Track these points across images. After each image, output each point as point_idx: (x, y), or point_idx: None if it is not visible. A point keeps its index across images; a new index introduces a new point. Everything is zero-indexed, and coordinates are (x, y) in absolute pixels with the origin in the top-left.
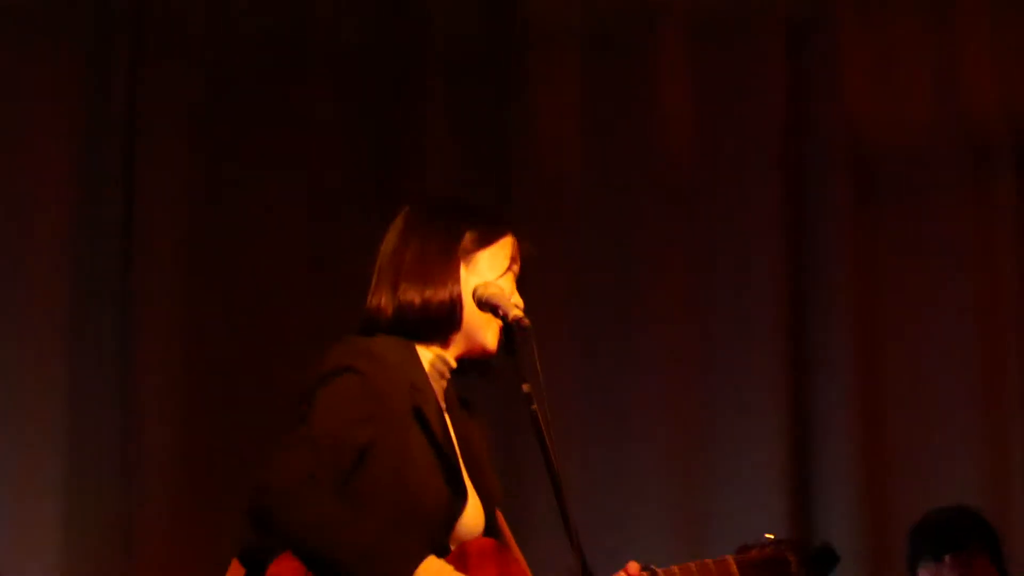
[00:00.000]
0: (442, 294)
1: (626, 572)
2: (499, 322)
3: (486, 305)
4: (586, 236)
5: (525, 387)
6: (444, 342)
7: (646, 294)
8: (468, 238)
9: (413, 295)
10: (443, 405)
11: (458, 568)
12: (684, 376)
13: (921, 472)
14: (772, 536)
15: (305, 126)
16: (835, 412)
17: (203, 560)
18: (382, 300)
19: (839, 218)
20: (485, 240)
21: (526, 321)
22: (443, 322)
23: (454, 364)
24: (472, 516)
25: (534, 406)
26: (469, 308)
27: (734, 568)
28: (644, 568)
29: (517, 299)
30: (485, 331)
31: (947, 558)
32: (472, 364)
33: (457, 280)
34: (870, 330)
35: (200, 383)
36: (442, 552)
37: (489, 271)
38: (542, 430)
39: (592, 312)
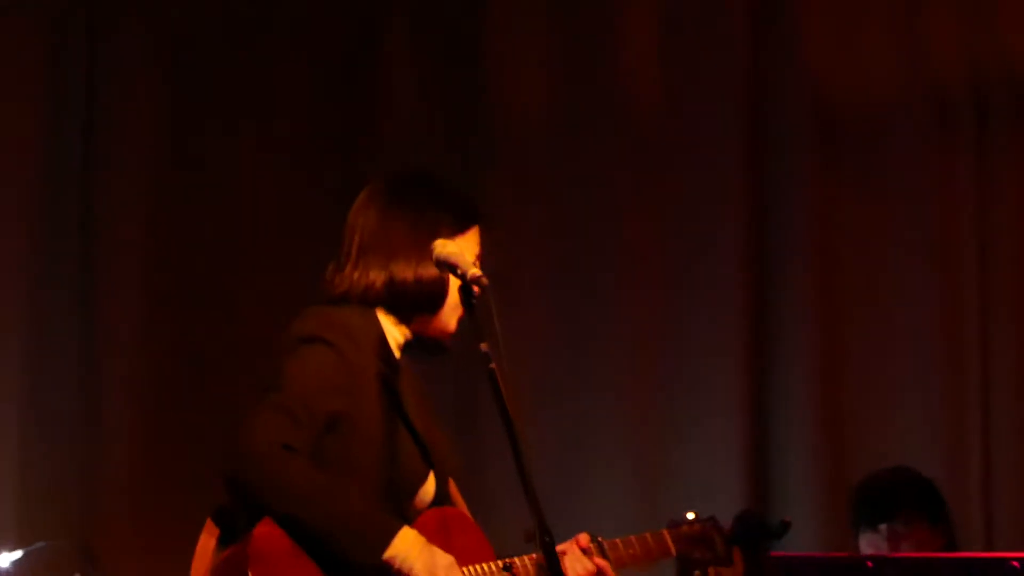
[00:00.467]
0: (433, 272)
1: (576, 542)
2: (462, 311)
3: (444, 264)
4: (550, 194)
5: (483, 346)
6: (411, 319)
7: (609, 252)
8: (445, 223)
9: (407, 272)
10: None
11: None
12: (645, 335)
13: (878, 432)
14: (695, 514)
15: (268, 84)
16: (794, 374)
17: (166, 540)
18: (370, 275)
19: (801, 174)
20: (458, 229)
21: (484, 279)
22: (431, 300)
23: (411, 338)
24: (428, 485)
25: (492, 365)
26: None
27: (670, 541)
28: (592, 540)
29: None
30: (452, 316)
31: (882, 527)
32: (426, 343)
33: None
34: (831, 288)
35: (162, 359)
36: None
37: None
38: (499, 389)
39: (554, 270)
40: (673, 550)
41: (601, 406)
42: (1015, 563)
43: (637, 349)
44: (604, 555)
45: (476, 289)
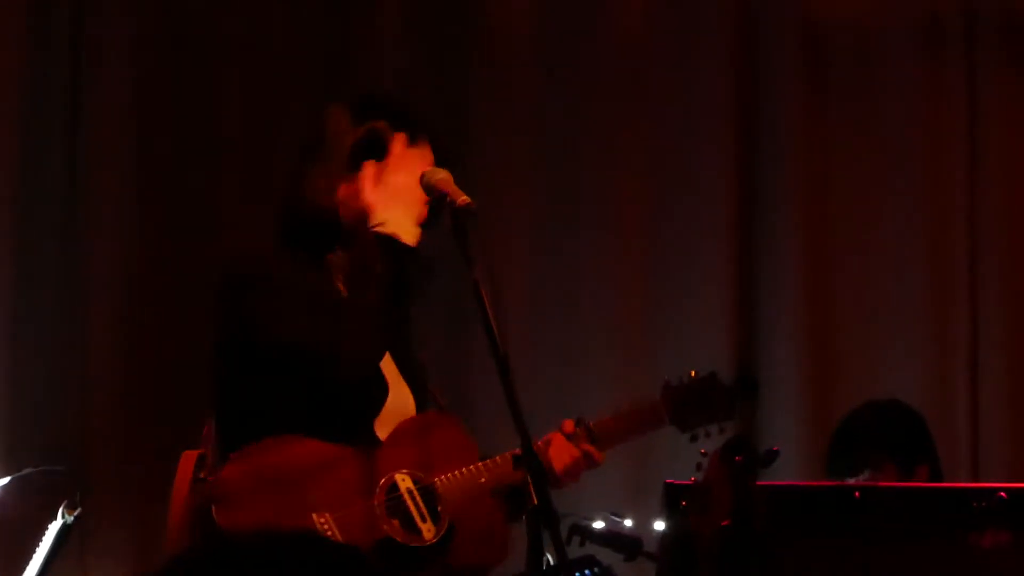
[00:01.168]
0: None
1: (560, 429)
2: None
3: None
4: (539, 121)
5: (473, 271)
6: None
7: (599, 180)
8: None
9: None
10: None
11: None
12: (633, 261)
13: (866, 362)
14: (694, 372)
15: (257, 28)
16: (782, 300)
17: (154, 466)
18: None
19: (790, 97)
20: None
21: (473, 204)
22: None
23: None
24: (401, 402)
25: (481, 288)
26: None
27: (663, 407)
28: (579, 423)
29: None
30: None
31: (845, 481)
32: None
33: None
34: (819, 213)
35: (147, 289)
36: (372, 441)
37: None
38: (487, 311)
39: (540, 198)
40: (667, 417)
41: (589, 323)
42: (1002, 493)
43: (624, 270)
44: (592, 438)
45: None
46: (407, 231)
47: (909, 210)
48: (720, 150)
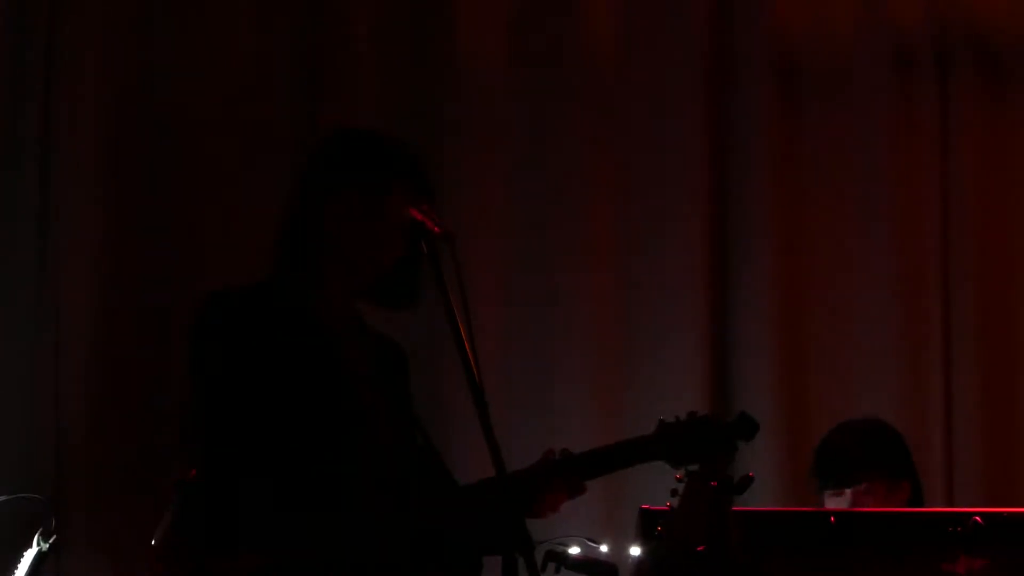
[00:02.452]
0: None
1: (544, 457)
2: None
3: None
4: (511, 140)
5: (448, 301)
6: None
7: (569, 202)
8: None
9: None
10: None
11: None
12: (605, 281)
13: (839, 387)
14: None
15: (228, 51)
16: (755, 323)
17: (132, 496)
18: None
19: (762, 122)
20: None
21: (451, 232)
22: None
23: None
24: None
25: (458, 318)
26: None
27: (654, 436)
28: (563, 452)
29: None
30: None
31: (844, 492)
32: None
33: None
34: (791, 236)
35: (123, 313)
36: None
37: None
38: (463, 341)
39: (516, 213)
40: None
41: (565, 357)
42: (978, 518)
43: (597, 288)
44: (576, 468)
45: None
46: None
47: (882, 235)
48: (693, 177)
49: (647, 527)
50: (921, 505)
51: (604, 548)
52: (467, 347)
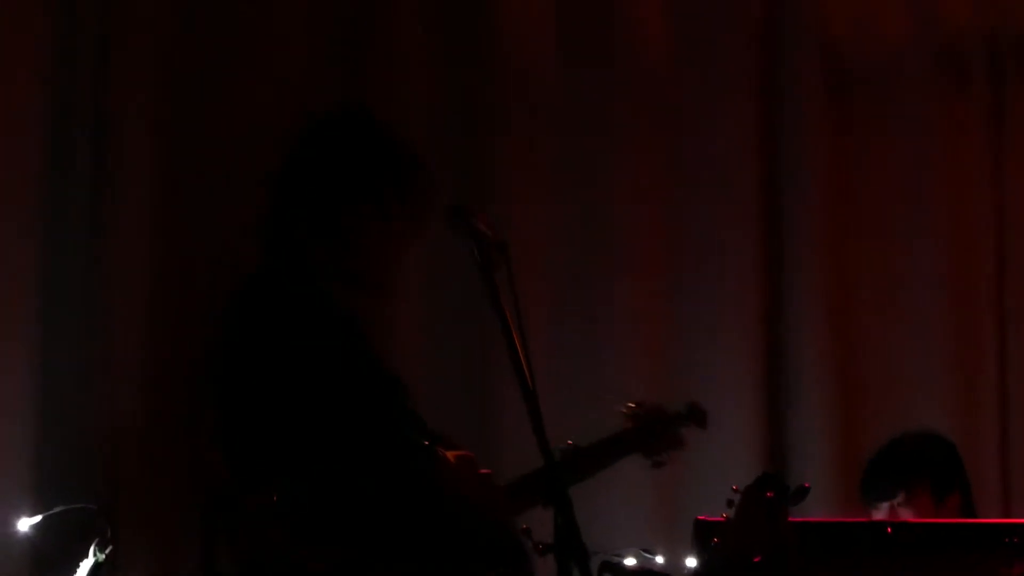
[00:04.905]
0: None
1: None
2: None
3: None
4: (559, 146)
5: (502, 307)
6: None
7: (620, 208)
8: None
9: None
10: None
11: None
12: (654, 287)
13: (893, 395)
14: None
15: (273, 31)
16: (808, 333)
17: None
18: None
19: (812, 127)
20: None
21: (506, 242)
22: None
23: None
24: None
25: (511, 325)
26: None
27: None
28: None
29: None
30: None
31: (885, 505)
32: None
33: None
34: (843, 242)
35: (173, 323)
36: None
37: None
38: (517, 348)
39: (564, 221)
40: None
41: (612, 368)
42: None
43: (647, 302)
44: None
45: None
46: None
47: (935, 241)
48: (743, 181)
49: (703, 538)
50: (973, 517)
51: (660, 559)
52: (521, 358)
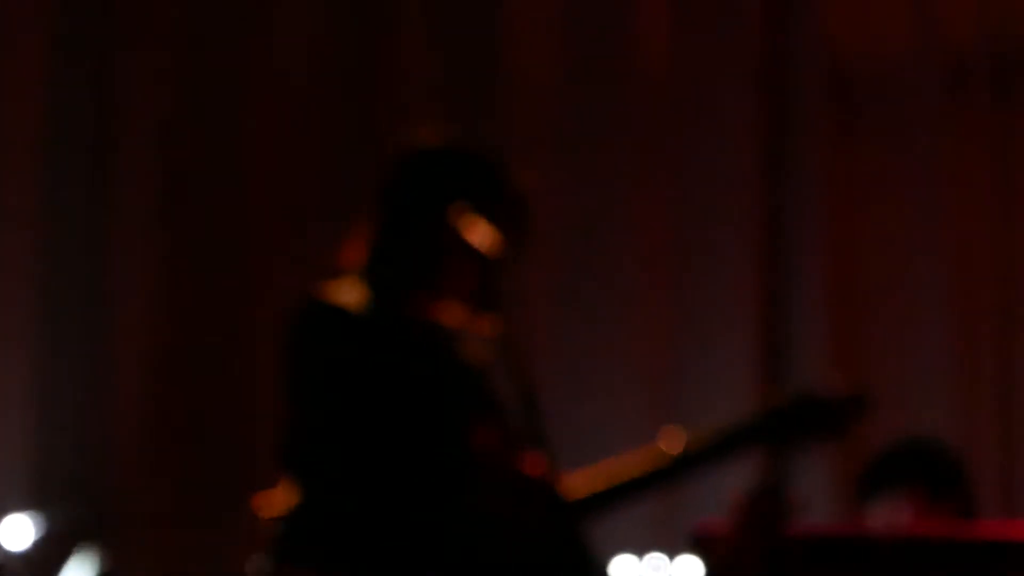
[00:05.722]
0: None
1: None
2: None
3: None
4: (565, 153)
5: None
6: None
7: (623, 209)
8: None
9: None
10: None
11: None
12: (655, 318)
13: (895, 402)
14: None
15: (280, 39)
16: (809, 339)
17: (176, 511)
18: None
19: (816, 142)
20: None
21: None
22: None
23: None
24: None
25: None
26: None
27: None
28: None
29: None
30: None
31: (866, 506)
32: None
33: None
34: (846, 255)
35: (176, 326)
36: None
37: None
38: (517, 364)
39: (569, 226)
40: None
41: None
42: None
43: (648, 306)
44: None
45: None
46: None
47: (939, 252)
48: (747, 193)
49: (701, 550)
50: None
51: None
52: (522, 372)
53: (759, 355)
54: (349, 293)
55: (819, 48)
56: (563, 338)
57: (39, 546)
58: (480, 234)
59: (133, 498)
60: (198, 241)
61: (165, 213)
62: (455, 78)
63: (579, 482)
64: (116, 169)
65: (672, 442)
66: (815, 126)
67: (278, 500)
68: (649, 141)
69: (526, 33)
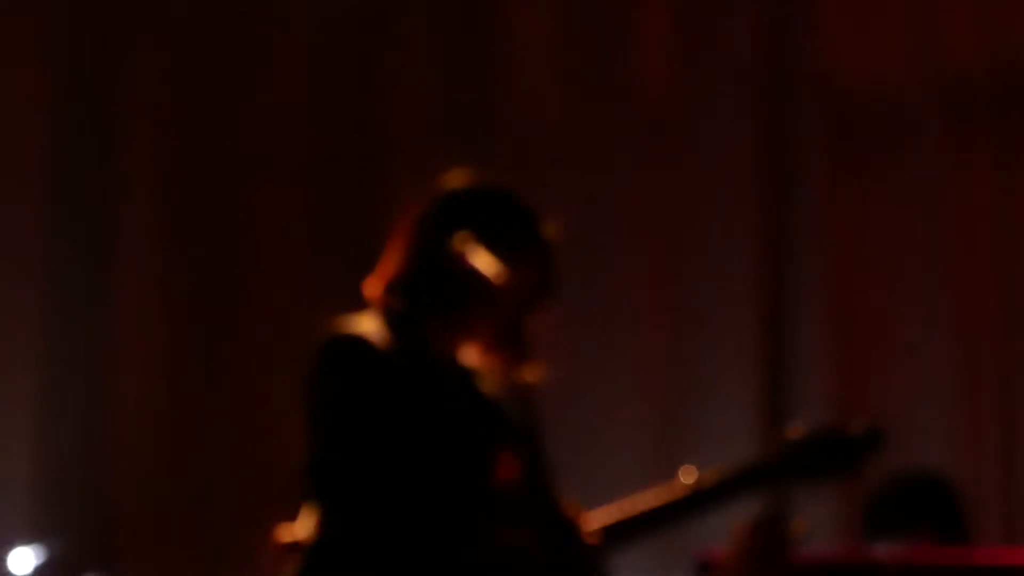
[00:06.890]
0: None
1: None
2: None
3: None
4: (563, 172)
5: None
6: None
7: (621, 227)
8: None
9: None
10: None
11: None
12: (657, 329)
13: (897, 422)
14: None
15: (277, 59)
16: (810, 366)
17: (181, 539)
18: None
19: (816, 168)
20: None
21: None
22: None
23: None
24: None
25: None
26: None
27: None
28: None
29: None
30: None
31: (874, 548)
32: None
33: None
34: (846, 280)
35: (177, 357)
36: None
37: None
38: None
39: (567, 247)
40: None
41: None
42: None
43: (647, 333)
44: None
45: None
46: None
47: (940, 278)
48: (747, 219)
49: (703, 572)
50: None
51: None
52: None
53: (761, 377)
54: (371, 326)
55: (819, 74)
56: (565, 358)
57: (45, 574)
58: (501, 275)
59: (139, 526)
60: (202, 248)
61: (166, 220)
62: (453, 111)
63: (597, 516)
64: (119, 179)
65: (688, 478)
66: (815, 151)
67: (300, 527)
68: (649, 167)
69: (524, 62)
